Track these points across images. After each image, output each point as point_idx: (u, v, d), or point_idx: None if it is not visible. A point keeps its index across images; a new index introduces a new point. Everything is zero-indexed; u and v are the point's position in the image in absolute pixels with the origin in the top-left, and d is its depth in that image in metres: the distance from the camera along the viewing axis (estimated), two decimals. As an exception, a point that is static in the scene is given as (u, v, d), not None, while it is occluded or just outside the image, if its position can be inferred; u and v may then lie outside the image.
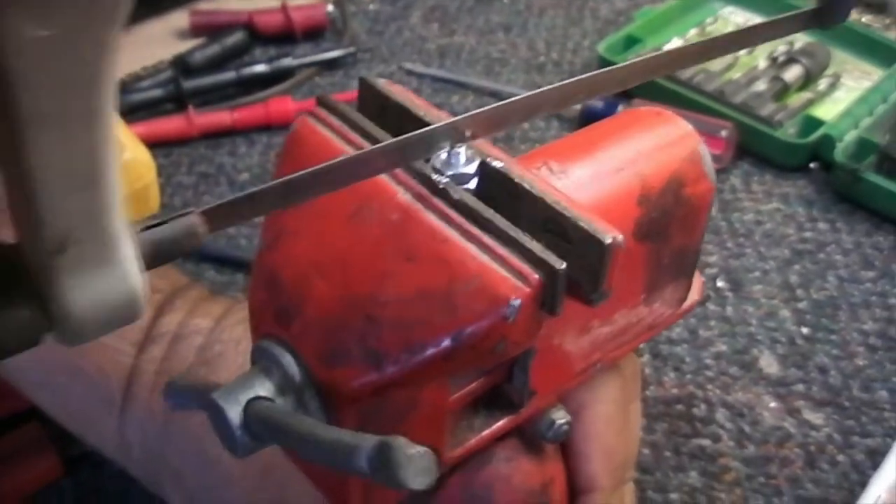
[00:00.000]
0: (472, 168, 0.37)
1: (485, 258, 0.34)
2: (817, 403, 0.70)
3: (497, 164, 0.36)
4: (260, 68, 0.95)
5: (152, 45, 1.01)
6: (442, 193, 0.36)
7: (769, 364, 0.72)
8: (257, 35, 1.02)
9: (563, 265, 0.34)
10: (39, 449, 0.63)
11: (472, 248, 0.35)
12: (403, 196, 0.36)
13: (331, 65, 0.98)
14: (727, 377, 0.71)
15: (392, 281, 0.35)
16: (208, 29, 1.02)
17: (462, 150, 0.37)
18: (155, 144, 0.86)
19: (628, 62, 0.39)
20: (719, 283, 0.78)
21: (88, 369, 0.52)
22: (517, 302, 0.34)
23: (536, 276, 0.34)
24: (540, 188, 0.35)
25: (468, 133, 0.36)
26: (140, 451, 0.53)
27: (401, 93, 0.40)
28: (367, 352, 0.35)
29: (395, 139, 0.35)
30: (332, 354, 0.35)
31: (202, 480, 0.51)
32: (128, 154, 0.77)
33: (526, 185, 0.35)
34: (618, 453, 0.46)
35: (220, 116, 0.91)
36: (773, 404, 0.69)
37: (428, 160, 0.37)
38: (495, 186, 0.36)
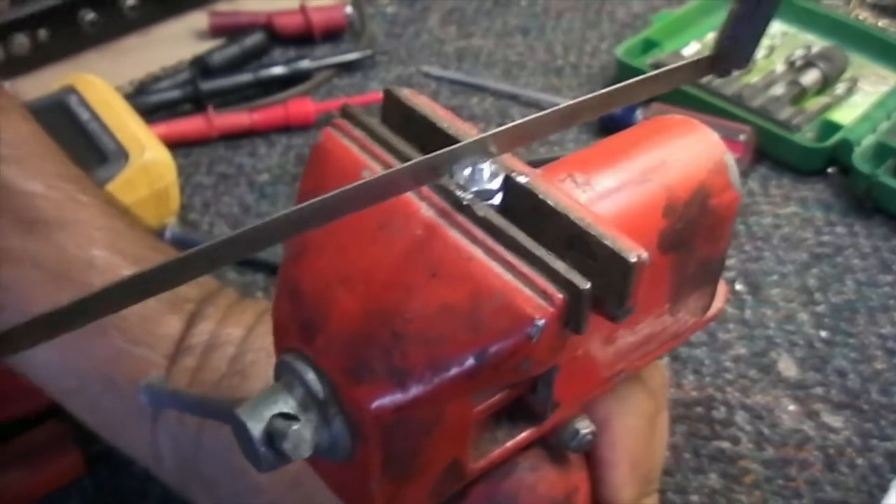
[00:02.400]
0: (496, 184, 0.37)
1: (509, 277, 0.34)
2: (836, 406, 0.70)
3: (522, 179, 0.36)
4: (278, 70, 0.95)
5: (171, 45, 1.01)
6: (466, 210, 0.36)
7: (788, 367, 0.72)
8: (276, 36, 1.02)
9: (588, 285, 0.34)
10: (62, 446, 0.64)
11: (496, 267, 0.35)
12: (427, 212, 0.36)
13: (349, 67, 0.99)
14: (746, 380, 0.71)
15: (416, 296, 0.35)
16: (227, 30, 1.02)
17: (486, 166, 0.37)
18: (174, 145, 0.86)
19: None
20: (738, 287, 0.78)
21: (121, 381, 0.52)
22: (542, 322, 0.34)
23: (561, 296, 0.34)
24: (565, 205, 0.35)
25: (493, 148, 0.36)
26: (172, 461, 0.53)
27: (425, 104, 0.40)
28: (391, 369, 0.35)
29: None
30: (357, 371, 0.36)
31: (232, 489, 0.51)
32: (148, 154, 0.78)
33: (550, 203, 0.35)
34: (643, 464, 0.47)
35: (240, 117, 0.91)
36: (791, 407, 0.69)
37: (451, 175, 0.37)
38: (520, 202, 0.36)
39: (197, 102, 0.93)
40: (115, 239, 0.55)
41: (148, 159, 0.78)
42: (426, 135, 0.39)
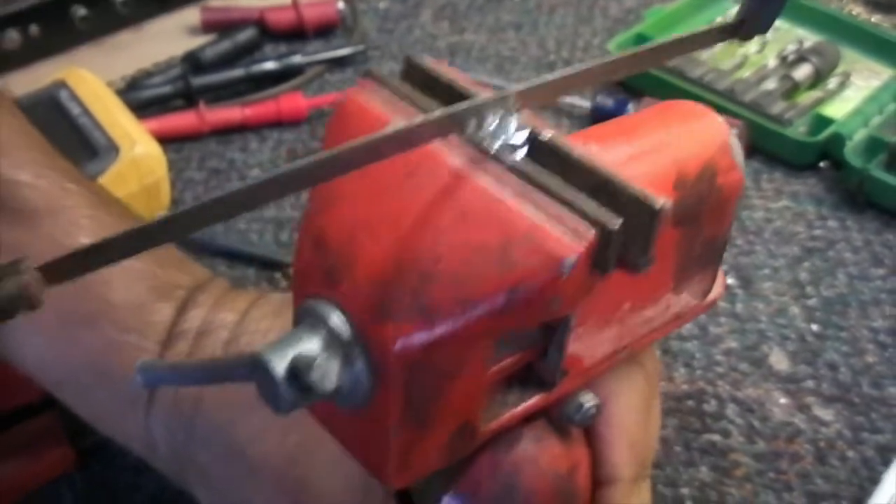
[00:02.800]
0: (520, 138, 0.37)
1: (540, 216, 0.35)
2: (827, 400, 0.70)
3: (546, 134, 0.37)
4: (269, 65, 0.95)
5: (163, 41, 1.01)
6: (494, 158, 0.36)
7: (779, 360, 0.72)
8: (268, 32, 1.02)
9: (619, 223, 0.34)
10: (54, 440, 0.64)
11: (526, 208, 0.35)
12: (455, 160, 0.37)
13: (341, 62, 0.99)
14: (737, 373, 0.71)
15: (446, 238, 0.35)
16: (219, 26, 1.02)
17: (512, 120, 0.37)
18: (166, 140, 0.86)
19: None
20: (729, 280, 0.78)
21: (113, 369, 0.52)
22: (573, 258, 0.34)
23: (591, 234, 0.34)
24: (589, 156, 0.36)
25: (517, 104, 0.36)
26: (166, 448, 0.53)
27: (446, 69, 0.40)
28: (419, 306, 0.35)
29: (444, 110, 0.35)
30: (383, 310, 0.35)
31: (226, 473, 0.51)
32: (139, 149, 0.78)
33: (576, 154, 0.36)
34: (641, 445, 0.47)
35: (231, 113, 0.91)
36: (783, 400, 0.69)
37: (478, 129, 0.37)
38: (544, 156, 0.36)
39: (188, 98, 0.93)
40: (102, 227, 0.55)
41: (138, 154, 0.78)
42: (449, 97, 0.39)
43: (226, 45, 0.98)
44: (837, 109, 0.91)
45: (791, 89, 0.92)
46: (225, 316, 0.53)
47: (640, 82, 0.92)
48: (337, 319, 0.36)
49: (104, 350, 0.53)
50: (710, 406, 0.69)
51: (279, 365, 0.34)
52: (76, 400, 0.56)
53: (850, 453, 0.66)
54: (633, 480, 0.46)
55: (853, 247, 0.81)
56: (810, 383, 0.71)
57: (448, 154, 0.37)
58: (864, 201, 0.84)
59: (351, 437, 0.40)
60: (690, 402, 0.69)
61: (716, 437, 0.67)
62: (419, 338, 0.35)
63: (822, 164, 0.89)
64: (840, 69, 0.96)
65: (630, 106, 0.89)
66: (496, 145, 0.37)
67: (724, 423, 0.68)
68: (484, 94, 0.38)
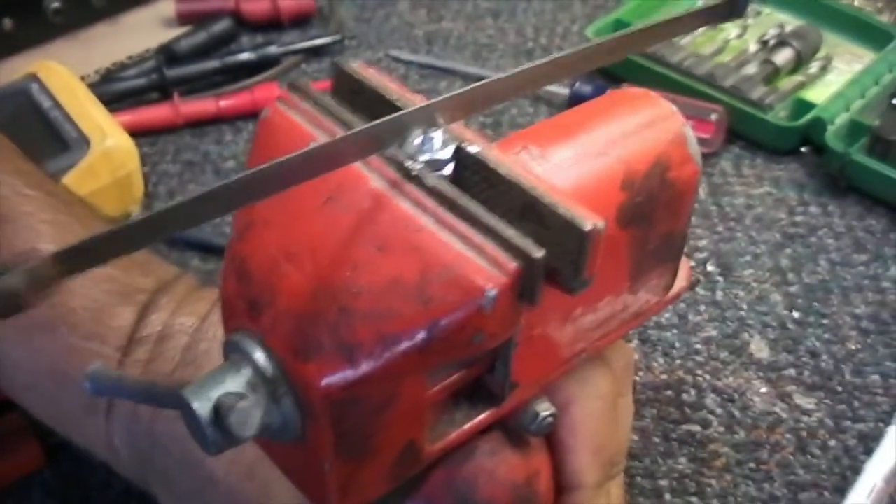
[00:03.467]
0: (447, 153, 0.36)
1: (460, 247, 0.34)
2: (808, 388, 0.69)
3: (473, 148, 0.35)
4: (245, 56, 0.94)
5: (138, 33, 1.00)
6: (415, 180, 0.35)
7: (760, 349, 0.71)
8: (244, 22, 1.01)
9: (542, 253, 0.33)
10: (21, 438, 0.63)
11: (446, 237, 0.34)
12: (376, 183, 0.35)
13: (317, 52, 0.97)
14: (717, 362, 0.70)
15: (364, 271, 0.34)
16: (195, 17, 1.01)
17: (437, 135, 0.36)
18: (140, 133, 0.86)
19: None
20: (709, 268, 0.77)
21: (74, 376, 0.52)
22: (493, 292, 0.33)
23: (514, 265, 0.33)
24: (517, 173, 0.34)
25: (441, 118, 0.35)
26: (127, 453, 0.52)
27: (374, 77, 0.39)
28: (340, 345, 0.34)
29: (363, 127, 0.34)
30: (305, 348, 0.35)
31: (187, 482, 0.50)
32: (110, 142, 0.77)
33: (502, 171, 0.34)
34: (605, 449, 0.46)
35: (206, 104, 0.90)
36: (763, 389, 0.69)
37: (402, 145, 0.36)
38: (471, 172, 0.35)
39: (163, 90, 0.91)
40: (62, 232, 0.54)
41: (110, 146, 0.77)
42: (376, 107, 0.38)
43: (201, 36, 0.97)
44: (819, 94, 0.90)
45: (772, 74, 0.91)
46: (185, 320, 0.53)
47: (619, 68, 0.91)
48: (260, 356, 0.35)
49: (65, 356, 0.52)
50: (690, 396, 0.68)
51: (203, 407, 0.34)
52: (38, 406, 0.56)
53: (832, 442, 0.66)
54: (597, 485, 0.45)
55: (835, 232, 0.80)
56: (791, 371, 0.70)
57: (369, 176, 0.36)
58: (845, 186, 0.83)
59: (291, 468, 0.40)
60: (669, 392, 0.68)
61: (695, 428, 0.66)
62: (343, 376, 0.34)
63: (803, 150, 0.88)
64: (821, 53, 0.95)
65: (609, 92, 0.87)
66: (420, 162, 0.35)
67: (704, 412, 0.67)
68: (409, 104, 0.37)
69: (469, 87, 0.35)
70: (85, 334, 0.52)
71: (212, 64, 0.94)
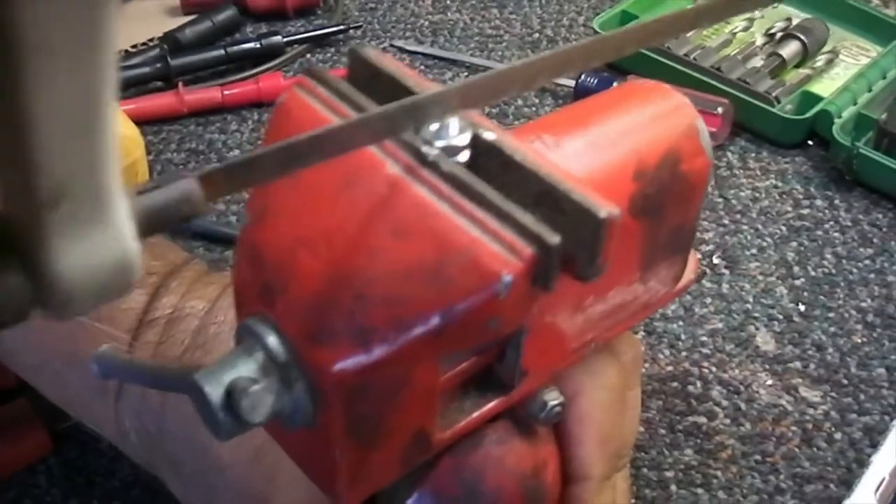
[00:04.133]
0: (463, 140, 0.36)
1: (476, 232, 0.33)
2: (814, 381, 0.69)
3: (489, 135, 0.35)
4: (249, 46, 0.94)
5: (142, 22, 1.00)
6: (431, 165, 0.35)
7: (765, 341, 0.71)
8: (248, 12, 1.00)
9: (558, 239, 0.33)
10: (29, 424, 0.63)
11: (462, 222, 0.34)
12: (392, 168, 0.35)
13: (322, 42, 0.97)
14: (723, 354, 0.70)
15: (380, 257, 0.34)
16: (199, 6, 1.00)
17: (454, 121, 0.36)
18: (144, 122, 0.85)
19: (621, 30, 0.38)
20: (715, 260, 0.77)
21: (84, 357, 0.51)
22: (509, 277, 0.33)
23: (529, 251, 0.33)
24: (533, 160, 0.34)
25: (457, 103, 0.35)
26: (136, 437, 0.52)
27: (391, 63, 0.39)
28: (354, 330, 0.34)
29: (377, 110, 0.34)
30: (319, 332, 0.34)
31: (195, 466, 0.50)
32: (115, 130, 0.76)
33: (518, 158, 0.34)
34: (612, 441, 0.46)
35: (211, 93, 0.90)
36: (769, 382, 0.69)
37: (418, 131, 0.36)
38: (487, 159, 0.35)
39: (167, 79, 0.91)
40: None
41: (115, 135, 0.76)
42: (393, 94, 0.37)
43: (205, 25, 0.97)
44: (825, 87, 0.90)
45: (778, 67, 0.91)
46: (195, 304, 0.53)
47: (625, 60, 0.91)
48: (273, 341, 0.35)
49: (75, 336, 0.52)
50: (695, 388, 0.68)
51: (215, 392, 0.33)
52: (48, 386, 0.56)
53: (838, 435, 0.66)
54: (603, 477, 0.45)
55: (841, 226, 0.80)
56: (797, 364, 0.70)
57: (385, 161, 0.35)
58: (852, 180, 0.83)
59: (301, 454, 0.40)
60: (675, 384, 0.68)
61: (701, 420, 0.66)
62: (357, 361, 0.34)
63: (809, 143, 0.88)
64: (828, 47, 0.95)
65: (615, 84, 0.87)
66: (436, 148, 0.35)
67: (710, 404, 0.67)
68: (426, 90, 0.36)
69: (484, 75, 0.35)
70: (97, 316, 0.52)
71: (216, 53, 0.93)
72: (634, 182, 0.38)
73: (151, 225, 0.27)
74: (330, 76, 0.39)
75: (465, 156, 0.36)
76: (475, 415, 0.39)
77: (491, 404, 0.40)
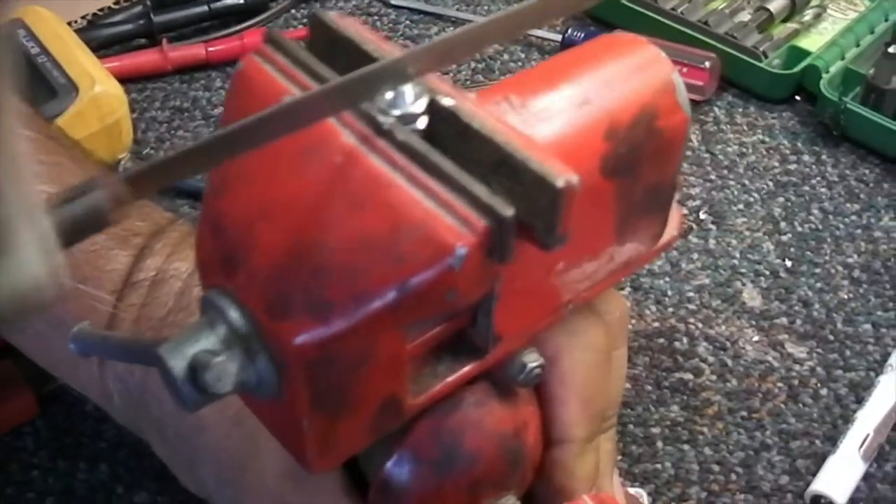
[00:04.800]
0: (420, 106, 0.35)
1: (430, 204, 0.33)
2: (800, 337, 0.69)
3: (446, 101, 0.34)
4: (233, 1, 0.93)
5: (125, -22, 0.99)
6: (387, 135, 0.34)
7: (752, 297, 0.71)
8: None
9: (511, 211, 0.32)
10: (14, 387, 0.63)
11: (416, 194, 0.33)
12: (348, 138, 0.35)
13: (307, -3, 0.96)
14: (709, 310, 0.70)
15: (336, 228, 0.34)
16: (183, -39, 0.99)
17: (409, 88, 0.35)
18: (128, 79, 0.85)
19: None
20: (702, 216, 0.77)
21: (69, 319, 0.51)
22: (463, 250, 0.32)
23: (483, 224, 0.32)
24: (490, 127, 0.34)
25: (412, 70, 0.34)
26: (120, 399, 0.52)
27: (351, 27, 0.38)
28: (313, 303, 0.34)
29: (332, 83, 0.33)
30: (279, 305, 0.34)
31: (178, 429, 0.50)
32: (98, 88, 0.76)
33: (476, 125, 0.34)
34: (596, 402, 0.45)
35: (195, 50, 0.89)
36: (755, 338, 0.69)
37: (373, 100, 0.35)
38: (445, 126, 0.35)
39: (150, 36, 0.90)
40: (60, 173, 0.54)
41: (98, 93, 0.76)
42: (352, 59, 0.37)
43: (189, -20, 0.96)
44: (813, 42, 0.90)
45: (766, 21, 0.90)
46: (179, 266, 0.52)
47: (612, 14, 0.90)
48: (235, 314, 0.35)
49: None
50: (682, 344, 0.68)
51: (178, 365, 0.34)
52: (34, 349, 0.56)
53: (823, 391, 0.66)
54: (586, 439, 0.45)
55: (828, 181, 0.80)
56: (783, 320, 0.70)
57: (341, 131, 0.35)
58: (839, 135, 0.83)
59: (272, 423, 0.39)
60: (661, 340, 0.68)
61: (687, 376, 0.66)
62: (317, 334, 0.34)
63: (797, 98, 0.87)
64: (816, 1, 0.94)
65: (596, 38, 0.87)
66: (392, 117, 0.35)
67: (696, 361, 0.67)
68: (385, 56, 0.36)
69: (441, 38, 0.34)
70: (80, 277, 0.52)
71: (200, 9, 0.92)
72: (605, 142, 0.37)
73: (74, 235, 0.27)
74: (289, 42, 0.38)
75: (422, 123, 0.35)
76: (449, 379, 0.39)
77: (465, 369, 0.39)
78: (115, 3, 0.95)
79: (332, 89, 0.33)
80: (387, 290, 0.33)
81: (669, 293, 0.71)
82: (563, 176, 0.32)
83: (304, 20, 0.95)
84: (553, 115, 0.37)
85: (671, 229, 0.45)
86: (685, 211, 0.77)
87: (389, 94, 0.35)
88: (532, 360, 0.41)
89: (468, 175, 0.33)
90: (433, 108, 0.35)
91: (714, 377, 0.66)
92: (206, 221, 0.38)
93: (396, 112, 0.35)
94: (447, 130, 0.34)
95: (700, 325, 0.69)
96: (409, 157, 0.34)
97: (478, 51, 0.37)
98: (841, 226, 0.77)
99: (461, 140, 0.34)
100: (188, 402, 0.34)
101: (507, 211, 0.32)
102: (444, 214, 0.33)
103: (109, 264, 0.52)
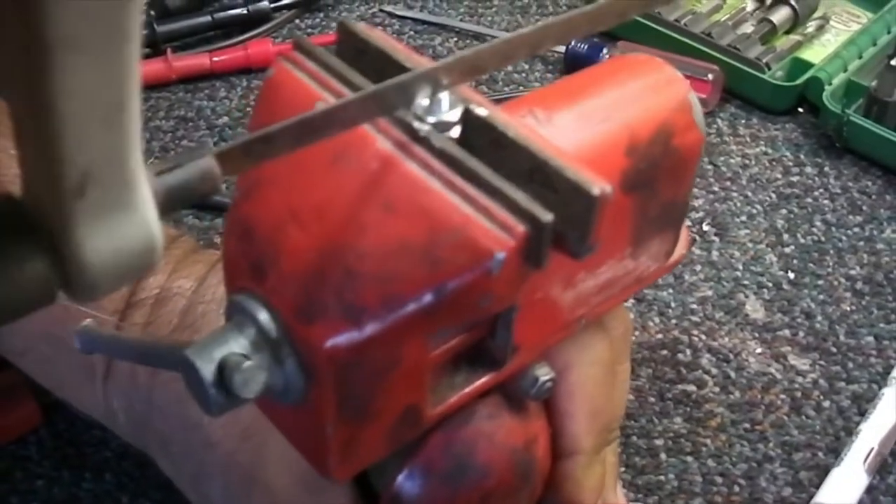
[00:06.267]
0: (455, 115, 0.35)
1: (468, 209, 0.33)
2: (803, 349, 0.69)
3: (481, 111, 0.35)
4: (236, 11, 0.93)
5: (129, -13, 0.99)
6: (423, 141, 0.34)
7: (755, 309, 0.71)
8: (237, -24, 1.00)
9: (550, 217, 0.32)
10: (18, 395, 0.63)
11: (454, 199, 0.33)
12: (383, 144, 0.35)
13: (310, 7, 0.97)
14: (712, 322, 0.70)
15: (371, 232, 0.34)
16: (187, -29, 1.00)
17: (444, 97, 0.35)
18: (132, 88, 0.85)
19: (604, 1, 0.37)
20: (705, 227, 0.77)
21: (70, 339, 0.51)
22: (501, 255, 0.32)
23: (521, 229, 0.32)
24: (525, 136, 0.34)
25: (445, 79, 0.34)
26: (125, 417, 0.52)
27: (381, 37, 0.38)
28: (345, 306, 0.34)
29: (372, 89, 0.33)
30: (309, 309, 0.34)
31: (185, 445, 0.50)
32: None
33: (510, 134, 0.34)
34: (602, 415, 0.46)
35: (200, 60, 0.89)
36: (758, 350, 0.69)
37: (409, 107, 0.35)
38: (479, 135, 0.35)
39: (154, 46, 0.91)
40: None
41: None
42: (382, 68, 0.37)
43: (193, -10, 0.96)
44: (816, 54, 0.90)
45: (769, 33, 0.91)
46: (183, 283, 0.52)
47: (616, 26, 0.91)
48: (264, 317, 0.35)
49: (60, 320, 0.51)
50: (685, 356, 0.68)
51: (206, 368, 0.33)
52: (35, 369, 0.56)
53: (826, 403, 0.66)
54: (593, 451, 0.45)
55: (830, 193, 0.80)
56: (786, 332, 0.70)
57: (376, 137, 0.35)
58: (842, 147, 0.83)
59: (292, 430, 0.39)
60: (665, 352, 0.68)
61: (690, 388, 0.66)
62: (348, 338, 0.34)
63: (800, 110, 0.88)
64: (819, 12, 0.95)
65: (605, 50, 0.87)
66: (428, 124, 0.35)
67: (699, 372, 0.67)
68: (416, 65, 0.36)
69: (475, 49, 0.34)
70: None
71: (203, 19, 0.92)
72: (626, 157, 0.38)
73: (172, 204, 0.27)
74: (318, 49, 0.38)
75: (456, 131, 0.35)
76: (466, 390, 0.39)
77: (482, 380, 0.39)
78: (120, 13, 0.95)
79: (369, 96, 0.33)
80: (422, 294, 0.33)
81: (673, 305, 0.71)
82: (598, 184, 0.32)
83: (308, 30, 0.95)
84: (577, 129, 0.37)
85: (681, 248, 0.45)
86: (688, 223, 0.77)
87: (425, 102, 0.35)
88: (544, 373, 0.41)
89: (505, 181, 0.33)
90: (467, 117, 0.35)
91: (717, 389, 0.66)
92: (233, 226, 0.38)
93: (432, 119, 0.35)
94: (481, 139, 0.34)
95: (703, 336, 0.69)
96: (447, 163, 0.34)
97: (505, 64, 0.37)
98: (843, 238, 0.77)
99: (495, 148, 0.34)
100: (214, 405, 0.33)
101: (546, 216, 0.32)
102: (483, 219, 0.33)
103: None
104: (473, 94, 0.36)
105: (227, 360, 0.33)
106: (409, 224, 0.34)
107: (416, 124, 0.35)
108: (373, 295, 0.34)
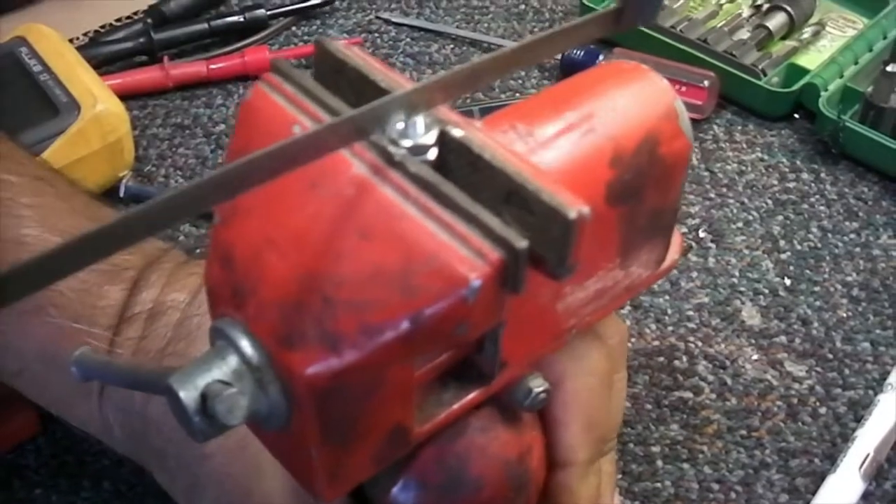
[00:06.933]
0: (430, 138, 0.35)
1: (443, 236, 0.33)
2: (799, 355, 0.69)
3: (457, 132, 0.34)
4: (233, 18, 0.93)
5: (127, -5, 0.99)
6: (398, 166, 0.34)
7: (751, 315, 0.71)
8: (234, -16, 1.00)
9: (525, 243, 0.32)
10: (16, 405, 0.62)
11: (429, 226, 0.33)
12: (359, 169, 0.35)
13: (307, 14, 0.97)
14: (709, 329, 0.70)
15: (348, 260, 0.34)
16: (184, -22, 1.00)
17: (419, 119, 0.35)
18: (129, 96, 0.85)
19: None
20: (701, 234, 0.77)
21: (64, 358, 0.51)
22: (477, 283, 0.32)
23: (497, 255, 0.32)
24: (502, 158, 0.34)
25: (422, 101, 0.34)
26: (121, 431, 0.52)
27: (358, 56, 0.38)
28: (324, 335, 0.34)
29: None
30: (290, 336, 0.34)
31: (180, 457, 0.50)
32: (101, 106, 0.76)
33: (487, 156, 0.34)
34: (598, 425, 0.46)
35: (196, 67, 0.89)
36: (755, 356, 0.69)
37: (384, 130, 0.35)
38: (455, 157, 0.34)
39: (151, 54, 0.91)
40: (46, 215, 0.54)
41: (100, 111, 0.76)
42: (359, 88, 0.37)
43: (190, -3, 0.96)
44: (812, 60, 0.90)
45: (765, 39, 0.91)
46: (176, 296, 0.52)
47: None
48: (246, 344, 0.35)
49: (54, 339, 0.52)
50: (681, 362, 0.68)
51: (189, 396, 0.33)
52: (30, 388, 0.56)
53: (822, 409, 0.66)
54: (589, 462, 0.45)
55: (827, 199, 0.81)
56: (783, 339, 0.70)
57: (352, 162, 0.35)
58: (838, 153, 0.83)
59: (281, 453, 0.39)
60: (661, 359, 0.68)
61: (687, 395, 0.66)
62: (327, 365, 0.34)
63: (796, 116, 0.88)
64: (815, 18, 0.95)
65: (601, 56, 0.87)
66: (403, 148, 0.35)
67: (696, 379, 0.67)
68: (393, 86, 0.36)
69: (453, 70, 0.34)
70: (73, 316, 0.51)
71: (200, 27, 0.93)
72: (611, 169, 0.38)
73: None
74: (295, 71, 0.38)
75: (432, 154, 0.35)
76: (455, 406, 0.39)
77: (471, 395, 0.39)
78: (117, 21, 0.96)
79: (343, 122, 0.33)
80: (399, 322, 0.33)
81: (669, 312, 0.71)
82: (574, 207, 0.32)
83: (305, 38, 0.95)
84: (559, 143, 0.37)
85: (673, 253, 0.45)
86: (684, 229, 0.77)
87: (400, 125, 0.35)
88: (538, 385, 0.41)
89: (481, 206, 0.33)
90: (444, 139, 0.35)
91: (713, 396, 0.66)
92: (215, 251, 0.38)
93: (407, 142, 0.35)
94: (458, 161, 0.34)
95: (699, 343, 0.69)
96: (422, 188, 0.34)
97: (491, 80, 0.37)
98: (840, 244, 0.77)
99: (472, 171, 0.34)
100: (198, 432, 0.33)
101: (521, 243, 0.32)
102: (458, 246, 0.33)
103: (102, 300, 0.52)
104: (451, 113, 0.36)
105: (209, 388, 0.33)
106: (384, 251, 0.33)
107: (392, 148, 0.35)
108: (351, 323, 0.33)
